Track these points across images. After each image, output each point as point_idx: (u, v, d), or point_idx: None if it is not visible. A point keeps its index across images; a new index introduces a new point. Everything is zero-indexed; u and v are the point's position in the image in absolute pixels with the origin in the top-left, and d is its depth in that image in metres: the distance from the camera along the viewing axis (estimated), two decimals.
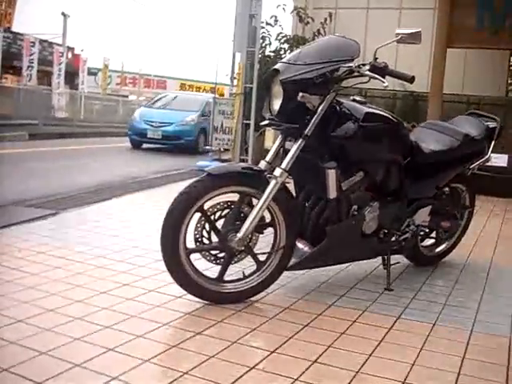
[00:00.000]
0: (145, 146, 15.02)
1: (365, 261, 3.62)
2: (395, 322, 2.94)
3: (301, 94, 2.87)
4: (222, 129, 9.67)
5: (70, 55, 28.65)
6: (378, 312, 3.06)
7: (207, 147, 10.03)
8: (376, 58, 2.98)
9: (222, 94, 15.52)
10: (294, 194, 3.30)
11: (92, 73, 33.96)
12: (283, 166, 2.95)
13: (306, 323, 2.82)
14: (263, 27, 9.79)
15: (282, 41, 10.21)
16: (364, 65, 2.96)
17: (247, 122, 8.81)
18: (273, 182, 2.91)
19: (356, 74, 2.97)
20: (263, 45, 10.01)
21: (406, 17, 10.61)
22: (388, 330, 2.81)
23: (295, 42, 10.08)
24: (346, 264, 3.74)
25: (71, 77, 28.08)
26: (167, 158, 12.72)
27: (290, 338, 2.63)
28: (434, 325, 2.94)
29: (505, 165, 8.74)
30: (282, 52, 10.14)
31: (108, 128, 21.13)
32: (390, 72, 2.97)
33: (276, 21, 10.15)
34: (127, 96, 36.66)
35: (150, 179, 8.00)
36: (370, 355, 2.51)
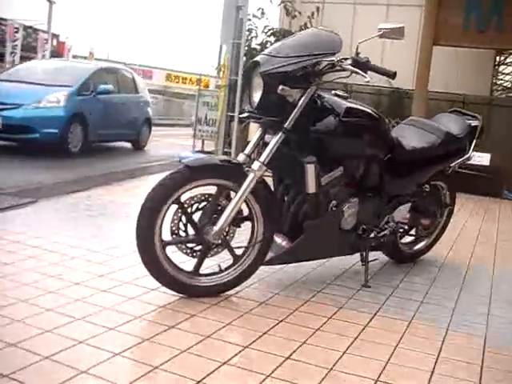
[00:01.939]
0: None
1: (343, 257, 3.60)
2: (371, 319, 2.92)
3: (281, 86, 2.83)
4: (206, 121, 9.63)
5: (54, 42, 28.32)
6: (355, 309, 3.05)
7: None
8: (358, 53, 2.95)
9: (208, 86, 15.25)
10: (273, 187, 3.27)
11: None
12: (262, 159, 2.91)
13: (282, 319, 2.79)
14: (250, 19, 9.72)
15: (269, 34, 10.16)
16: (346, 59, 2.93)
17: (231, 114, 8.75)
18: (251, 176, 2.87)
19: (338, 68, 2.94)
20: (249, 37, 9.96)
21: (393, 13, 10.62)
22: (364, 327, 2.80)
23: (282, 35, 10.03)
24: (324, 259, 3.72)
25: None
26: None
27: (265, 333, 2.60)
28: (410, 322, 2.93)
29: (487, 163, 8.79)
30: (268, 45, 10.07)
31: None
32: (371, 67, 2.94)
33: (263, 13, 10.11)
34: None
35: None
36: (345, 352, 2.49)
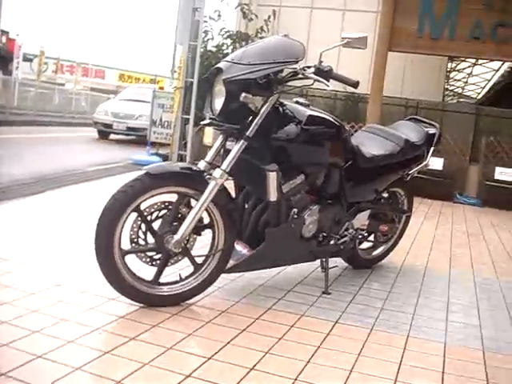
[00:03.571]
0: None
1: (303, 263, 3.60)
2: (333, 327, 2.93)
3: (243, 94, 2.81)
4: (161, 123, 9.53)
5: (4, 39, 27.68)
6: (316, 316, 3.04)
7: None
8: (321, 62, 2.95)
9: (162, 88, 15.06)
10: (234, 194, 3.25)
11: (27, 59, 32.89)
12: (223, 167, 2.88)
13: (244, 328, 2.77)
14: (206, 21, 9.67)
15: (225, 36, 10.13)
16: (309, 67, 2.92)
17: (187, 116, 8.68)
18: (212, 184, 2.84)
19: (300, 76, 2.94)
20: (205, 39, 9.90)
21: (349, 18, 10.71)
22: (326, 336, 2.80)
23: (238, 37, 10.03)
24: (284, 266, 3.71)
25: (5, 62, 27.11)
26: None
27: (227, 343, 2.57)
28: (371, 330, 2.94)
29: (440, 168, 8.97)
30: (224, 47, 10.06)
31: (43, 117, 20.49)
32: (334, 76, 2.94)
33: (219, 16, 10.06)
34: (64, 84, 35.76)
35: None
36: (309, 362, 2.48)
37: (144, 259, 2.91)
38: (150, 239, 2.89)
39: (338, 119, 3.43)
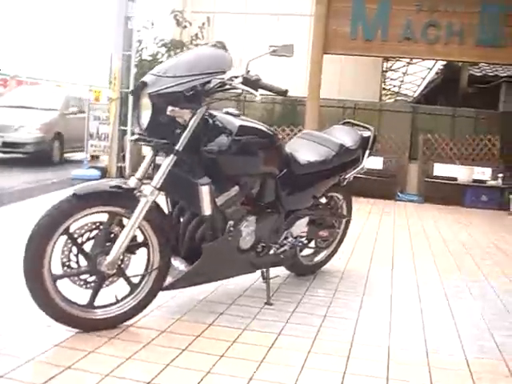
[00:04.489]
0: None
1: (244, 275, 3.54)
2: (276, 339, 2.88)
3: (170, 108, 2.74)
4: (98, 135, 9.33)
5: None
6: (259, 329, 2.99)
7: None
8: (248, 71, 2.90)
9: (98, 99, 14.58)
10: (167, 209, 3.17)
11: None
12: (154, 183, 2.80)
13: (185, 347, 2.70)
14: (139, 30, 9.52)
15: (159, 45, 10.00)
16: (236, 77, 2.87)
17: (124, 128, 8.52)
18: (143, 201, 2.75)
19: (228, 86, 2.88)
20: (140, 48, 9.75)
21: (283, 22, 10.73)
22: (269, 349, 2.75)
23: (173, 46, 9.92)
24: (224, 279, 3.64)
25: None
26: None
27: (168, 365, 2.49)
28: (314, 340, 2.92)
29: (381, 167, 9.08)
30: (159, 56, 9.92)
31: None
32: (262, 85, 2.89)
33: (152, 24, 9.92)
34: None
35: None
36: (251, 378, 2.43)
37: (78, 282, 2.79)
38: (83, 262, 2.79)
39: (273, 129, 3.40)
